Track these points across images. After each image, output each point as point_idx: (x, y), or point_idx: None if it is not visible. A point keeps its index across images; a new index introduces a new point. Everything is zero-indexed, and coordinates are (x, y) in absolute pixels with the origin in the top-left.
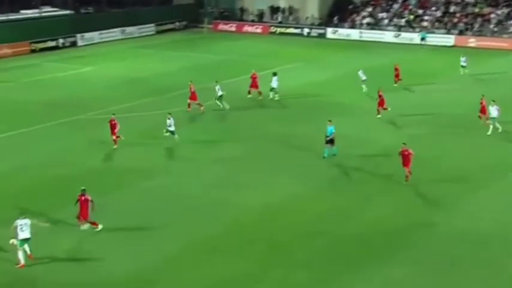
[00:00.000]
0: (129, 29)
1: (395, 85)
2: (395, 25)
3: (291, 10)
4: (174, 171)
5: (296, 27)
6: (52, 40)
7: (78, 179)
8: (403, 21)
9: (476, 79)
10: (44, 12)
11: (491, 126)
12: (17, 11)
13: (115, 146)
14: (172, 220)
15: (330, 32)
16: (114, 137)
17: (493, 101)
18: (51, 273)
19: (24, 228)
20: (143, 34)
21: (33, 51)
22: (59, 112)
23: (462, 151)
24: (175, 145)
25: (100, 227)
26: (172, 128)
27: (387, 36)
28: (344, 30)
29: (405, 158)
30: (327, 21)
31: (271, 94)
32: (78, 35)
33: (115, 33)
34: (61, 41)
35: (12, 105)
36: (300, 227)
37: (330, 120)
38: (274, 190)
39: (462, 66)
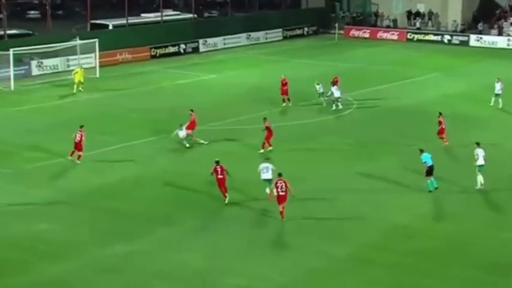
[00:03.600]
0: (254, 34)
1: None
2: None
3: (430, 15)
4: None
5: (436, 34)
6: (173, 46)
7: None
8: None
9: None
10: (166, 16)
11: None
12: (137, 14)
13: (79, 162)
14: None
15: (473, 40)
16: (80, 153)
17: None
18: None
19: (265, 170)
20: (269, 40)
21: (153, 57)
22: (178, 123)
23: None
24: (326, 153)
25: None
26: None
27: None
28: (489, 37)
29: None
30: (470, 27)
31: (334, 106)
32: (201, 40)
33: (240, 38)
34: (182, 46)
35: (130, 113)
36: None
37: (421, 150)
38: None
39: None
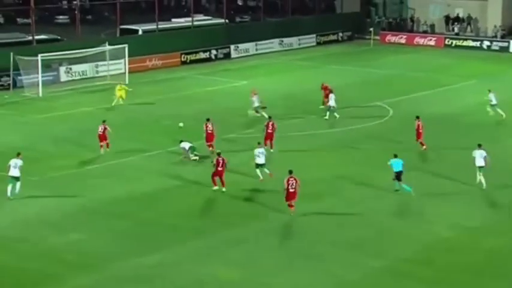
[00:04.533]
0: (287, 40)
1: (322, 106)
2: None
3: (469, 20)
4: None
5: (475, 40)
6: (204, 51)
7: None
8: None
9: None
10: (197, 21)
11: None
12: (168, 19)
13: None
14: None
15: None
16: (105, 142)
17: None
18: None
19: (261, 155)
20: (303, 46)
21: (183, 63)
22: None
23: None
24: (362, 161)
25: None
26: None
27: None
28: None
29: None
30: (511, 32)
31: (328, 115)
32: (232, 46)
33: (272, 44)
34: (214, 52)
35: (159, 120)
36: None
37: (395, 155)
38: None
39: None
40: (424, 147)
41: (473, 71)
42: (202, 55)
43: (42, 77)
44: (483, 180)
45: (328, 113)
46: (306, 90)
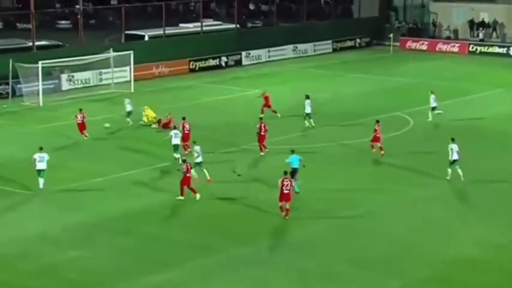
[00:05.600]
0: (301, 46)
1: (262, 115)
2: None
3: (495, 25)
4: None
5: (501, 46)
6: (214, 58)
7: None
8: None
9: None
10: (206, 26)
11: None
12: (175, 24)
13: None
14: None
15: None
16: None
17: None
18: None
19: (198, 155)
20: (318, 52)
21: (192, 70)
22: (217, 143)
23: None
24: (379, 175)
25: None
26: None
27: None
28: None
29: None
30: None
31: (306, 122)
32: (244, 53)
33: (285, 50)
34: (224, 59)
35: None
36: None
37: (292, 151)
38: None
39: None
40: (382, 152)
41: (499, 79)
42: (211, 62)
43: (43, 85)
44: (461, 173)
45: (306, 121)
46: (321, 101)
